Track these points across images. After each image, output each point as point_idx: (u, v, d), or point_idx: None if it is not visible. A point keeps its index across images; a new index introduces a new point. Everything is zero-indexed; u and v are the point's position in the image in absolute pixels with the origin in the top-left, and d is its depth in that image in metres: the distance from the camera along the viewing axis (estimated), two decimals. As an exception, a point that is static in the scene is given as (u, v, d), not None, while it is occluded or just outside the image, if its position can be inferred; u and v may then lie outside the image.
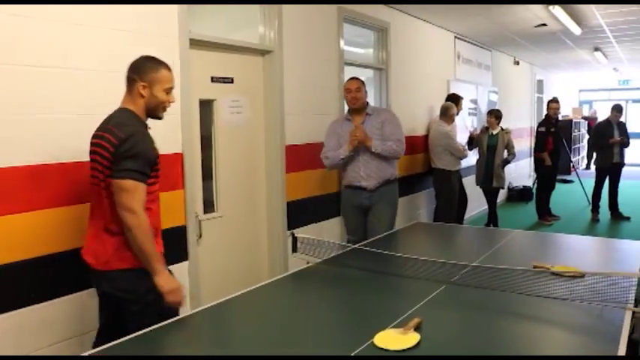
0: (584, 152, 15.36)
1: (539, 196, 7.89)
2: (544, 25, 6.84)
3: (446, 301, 2.18)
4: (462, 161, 6.19)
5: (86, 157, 2.30)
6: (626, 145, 7.81)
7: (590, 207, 8.09)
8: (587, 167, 14.58)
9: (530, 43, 8.49)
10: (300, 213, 4.25)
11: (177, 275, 2.40)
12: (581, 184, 9.38)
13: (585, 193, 8.89)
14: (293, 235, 2.87)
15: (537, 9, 5.98)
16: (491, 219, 6.98)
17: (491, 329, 1.94)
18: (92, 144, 2.26)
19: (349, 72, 4.79)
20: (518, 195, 9.61)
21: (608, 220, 7.85)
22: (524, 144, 10.83)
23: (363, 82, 4.07)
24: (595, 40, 8.44)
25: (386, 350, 1.70)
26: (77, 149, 2.59)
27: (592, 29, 7.30)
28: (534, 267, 2.44)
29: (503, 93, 9.59)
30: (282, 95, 4.05)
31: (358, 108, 4.02)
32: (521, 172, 10.55)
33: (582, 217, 8.14)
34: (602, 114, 11.52)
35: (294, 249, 2.84)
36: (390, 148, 3.95)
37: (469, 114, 7.76)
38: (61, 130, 2.58)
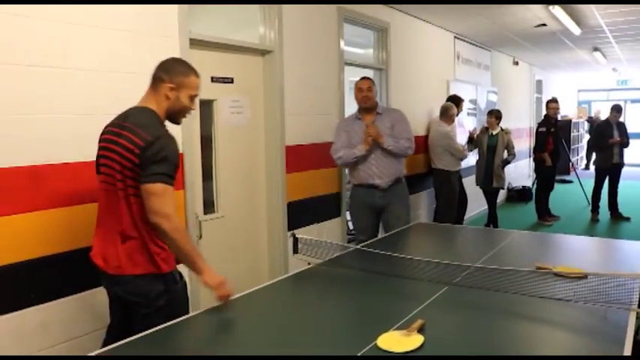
0: (582, 152, 15.38)
1: (538, 196, 7.89)
2: (544, 25, 6.84)
3: (449, 303, 2.17)
4: (461, 161, 6.19)
5: (87, 157, 2.28)
6: (626, 145, 7.82)
7: (590, 207, 8.10)
8: (587, 167, 14.59)
9: (530, 44, 8.49)
10: (300, 213, 4.24)
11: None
12: (581, 184, 9.38)
13: (585, 194, 8.89)
14: (294, 235, 2.84)
15: (537, 9, 5.98)
16: (491, 219, 6.98)
17: (495, 330, 1.93)
18: (106, 140, 2.17)
19: (349, 72, 4.78)
20: (518, 195, 9.62)
21: (608, 221, 7.85)
22: (523, 144, 10.83)
23: (373, 82, 4.18)
24: (594, 41, 8.44)
25: (390, 352, 1.68)
26: (77, 149, 2.58)
27: (592, 29, 7.30)
28: (537, 268, 2.43)
29: (503, 93, 9.59)
30: (282, 95, 4.04)
31: (369, 107, 4.09)
32: (520, 172, 10.55)
33: (582, 218, 8.14)
34: (603, 114, 11.54)
35: (295, 250, 2.81)
36: (401, 146, 4.03)
37: (468, 114, 7.75)
38: (61, 130, 2.56)
